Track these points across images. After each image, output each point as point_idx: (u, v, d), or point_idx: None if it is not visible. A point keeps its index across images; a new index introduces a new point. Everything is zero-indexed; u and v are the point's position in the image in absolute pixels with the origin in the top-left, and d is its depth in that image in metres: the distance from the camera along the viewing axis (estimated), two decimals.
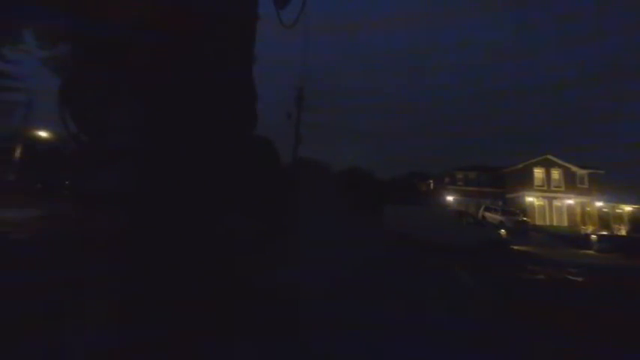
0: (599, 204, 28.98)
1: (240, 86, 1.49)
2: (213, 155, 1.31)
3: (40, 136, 22.28)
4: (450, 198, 32.66)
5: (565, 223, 28.20)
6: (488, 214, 22.78)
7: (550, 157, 30.39)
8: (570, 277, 7.96)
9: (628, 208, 28.81)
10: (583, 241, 18.01)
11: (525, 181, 30.04)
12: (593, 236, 17.63)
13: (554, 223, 28.07)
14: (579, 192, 29.18)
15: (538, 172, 30.35)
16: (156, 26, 1.18)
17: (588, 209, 29.00)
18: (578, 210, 29.07)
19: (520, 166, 30.92)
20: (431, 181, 38.76)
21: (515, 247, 13.77)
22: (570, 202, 29.06)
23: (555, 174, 30.14)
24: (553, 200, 29.37)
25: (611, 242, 16.87)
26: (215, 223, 1.35)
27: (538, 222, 27.67)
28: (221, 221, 1.40)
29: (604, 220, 28.28)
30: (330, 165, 17.01)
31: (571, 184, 29.52)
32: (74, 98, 1.19)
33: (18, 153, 17.94)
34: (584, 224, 27.65)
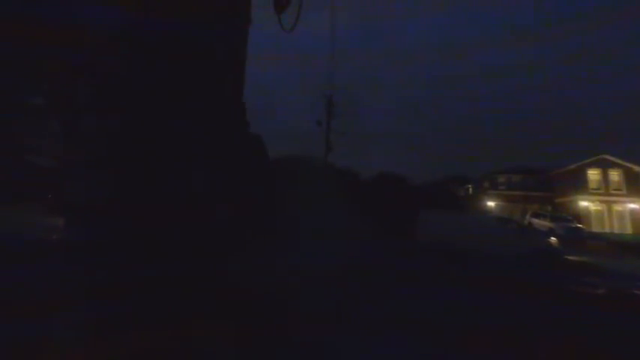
0: None
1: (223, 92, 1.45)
2: (191, 158, 1.29)
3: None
4: (491, 203, 30.68)
5: (629, 230, 25.14)
6: (535, 221, 20.95)
7: (607, 156, 27.44)
8: None
9: None
10: None
11: (578, 183, 27.36)
12: None
13: (615, 230, 25.13)
14: None
15: (593, 174, 27.51)
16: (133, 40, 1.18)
17: None
18: None
19: (572, 167, 28.26)
20: (469, 186, 36.74)
21: (570, 258, 12.46)
22: (634, 206, 25.90)
23: (614, 175, 27.12)
24: (613, 204, 26.40)
25: None
26: (193, 222, 1.32)
27: (595, 229, 24.96)
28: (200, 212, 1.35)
29: None
30: (359, 172, 16.79)
31: (634, 185, 26.34)
32: (53, 112, 1.22)
33: None
34: None
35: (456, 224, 13.02)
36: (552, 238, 13.47)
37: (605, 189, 26.96)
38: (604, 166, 27.38)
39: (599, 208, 26.74)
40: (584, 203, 26.87)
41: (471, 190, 36.53)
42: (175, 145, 1.24)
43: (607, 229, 25.24)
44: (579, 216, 25.31)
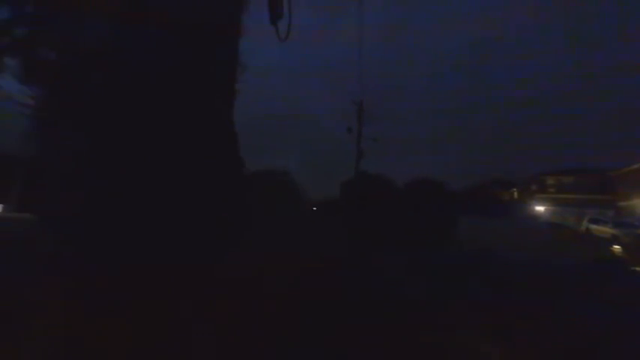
0: None
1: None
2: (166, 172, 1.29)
3: None
4: (539, 208, 28.24)
5: None
6: (594, 227, 18.83)
7: None
8: None
9: None
10: None
11: None
12: None
13: None
14: None
15: None
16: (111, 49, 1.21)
17: None
18: None
19: (636, 166, 25.23)
20: (514, 189, 34.22)
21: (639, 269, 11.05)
22: None
23: None
24: None
25: None
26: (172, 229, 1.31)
27: None
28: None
29: None
30: (393, 179, 16.40)
31: None
32: (35, 124, 1.31)
33: None
34: None
35: (501, 231, 12.18)
36: (616, 246, 12.05)
37: None
38: None
39: None
40: None
41: (516, 193, 34.02)
42: (166, 150, 1.26)
43: None
44: None
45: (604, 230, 18.17)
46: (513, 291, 5.25)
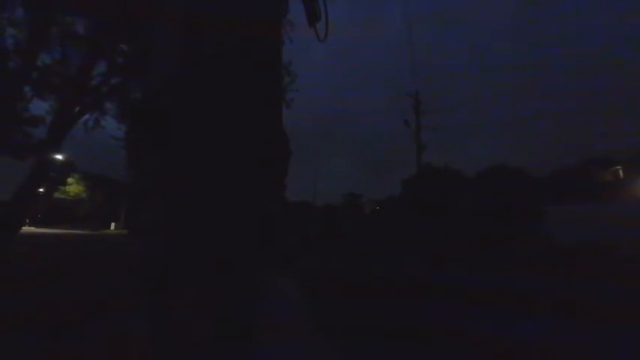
0: None
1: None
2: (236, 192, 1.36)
3: None
4: None
5: None
6: None
7: None
8: None
9: None
10: None
11: None
12: None
13: None
14: None
15: None
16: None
17: None
18: None
19: None
20: (618, 168, 28.50)
21: None
22: None
23: None
24: None
25: None
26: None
27: None
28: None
29: None
30: (461, 170, 15.05)
31: None
32: (127, 154, 1.47)
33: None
34: None
35: (603, 219, 10.28)
36: None
37: None
38: None
39: None
40: None
41: (621, 172, 28.29)
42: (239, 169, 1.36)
43: None
44: None
45: None
46: None
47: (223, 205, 1.40)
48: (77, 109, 8.36)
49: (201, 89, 1.40)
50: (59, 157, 15.10)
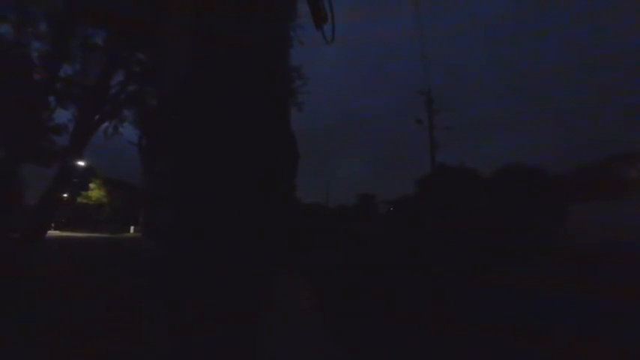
0: None
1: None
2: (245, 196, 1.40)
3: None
4: None
5: None
6: None
7: None
8: None
9: None
10: None
11: None
12: None
13: None
14: None
15: None
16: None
17: None
18: None
19: None
20: None
21: None
22: None
23: None
24: None
25: None
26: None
27: None
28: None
29: None
30: (478, 168, 14.69)
31: None
32: (143, 160, 1.53)
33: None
34: None
35: (629, 219, 9.82)
36: None
37: None
38: None
39: None
40: None
41: None
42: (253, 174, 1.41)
43: None
44: None
45: None
46: None
47: (234, 206, 1.44)
48: (97, 117, 8.69)
49: (209, 95, 1.45)
50: (81, 163, 15.74)
